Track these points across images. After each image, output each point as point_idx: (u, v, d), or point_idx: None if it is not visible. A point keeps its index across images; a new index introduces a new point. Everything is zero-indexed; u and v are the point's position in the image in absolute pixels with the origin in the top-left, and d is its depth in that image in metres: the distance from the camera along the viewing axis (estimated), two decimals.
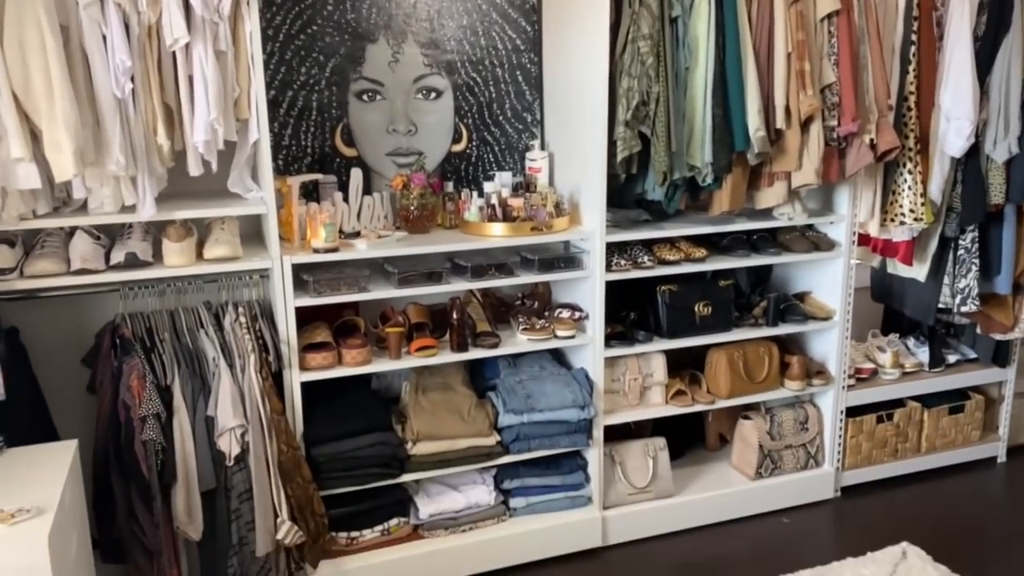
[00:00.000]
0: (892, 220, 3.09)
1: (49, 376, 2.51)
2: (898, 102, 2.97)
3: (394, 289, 2.60)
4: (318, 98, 2.85)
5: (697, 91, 2.71)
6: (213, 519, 2.37)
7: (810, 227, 3.21)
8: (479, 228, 2.75)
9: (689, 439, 3.41)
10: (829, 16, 2.78)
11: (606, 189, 2.74)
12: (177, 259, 2.35)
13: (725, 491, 3.15)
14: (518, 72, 3.07)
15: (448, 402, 2.76)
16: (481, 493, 2.83)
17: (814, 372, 3.22)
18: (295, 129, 2.83)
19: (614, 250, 2.85)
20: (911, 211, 3.03)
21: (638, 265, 2.86)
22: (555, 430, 2.81)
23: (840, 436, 3.29)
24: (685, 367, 3.17)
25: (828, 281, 3.23)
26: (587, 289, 2.85)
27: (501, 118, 3.09)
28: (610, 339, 2.88)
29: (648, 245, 2.95)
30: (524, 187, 2.96)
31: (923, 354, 3.51)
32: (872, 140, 2.88)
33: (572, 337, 2.83)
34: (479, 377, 2.97)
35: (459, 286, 2.71)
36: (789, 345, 3.30)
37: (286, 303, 2.47)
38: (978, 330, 3.46)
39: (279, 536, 2.39)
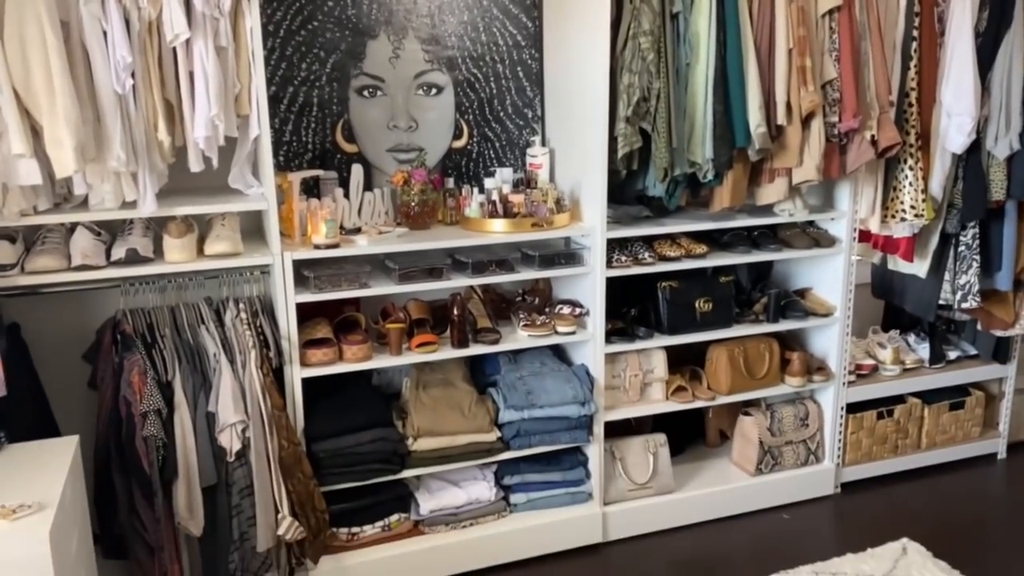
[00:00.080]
0: (893, 216, 3.09)
1: (50, 372, 2.52)
2: (899, 98, 2.97)
3: (395, 285, 2.60)
4: (319, 94, 2.84)
5: (698, 87, 2.71)
6: (214, 515, 2.37)
7: (811, 223, 3.21)
8: (480, 224, 2.75)
9: (689, 435, 3.41)
10: (830, 12, 2.78)
11: (607, 185, 2.74)
12: (178, 255, 2.35)
13: (725, 487, 3.15)
14: (519, 68, 3.07)
15: (449, 398, 2.76)
16: (482, 489, 2.83)
17: (814, 368, 3.22)
18: (296, 125, 2.83)
19: (615, 246, 2.85)
20: (912, 207, 3.03)
21: (639, 261, 2.86)
22: (556, 426, 2.81)
23: (840, 432, 3.30)
24: (686, 363, 3.17)
25: (829, 277, 3.23)
26: (588, 285, 2.85)
27: (502, 114, 3.08)
28: (611, 335, 2.88)
29: (649, 241, 2.95)
30: (525, 183, 2.96)
31: (924, 350, 3.51)
32: (873, 136, 2.88)
33: (573, 333, 2.83)
34: (480, 373, 2.97)
35: (460, 282, 2.71)
36: (790, 341, 3.30)
37: (287, 299, 2.47)
38: (979, 326, 3.46)
39: (280, 532, 2.39)
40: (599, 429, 2.91)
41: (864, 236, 3.24)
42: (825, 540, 3.02)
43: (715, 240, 3.04)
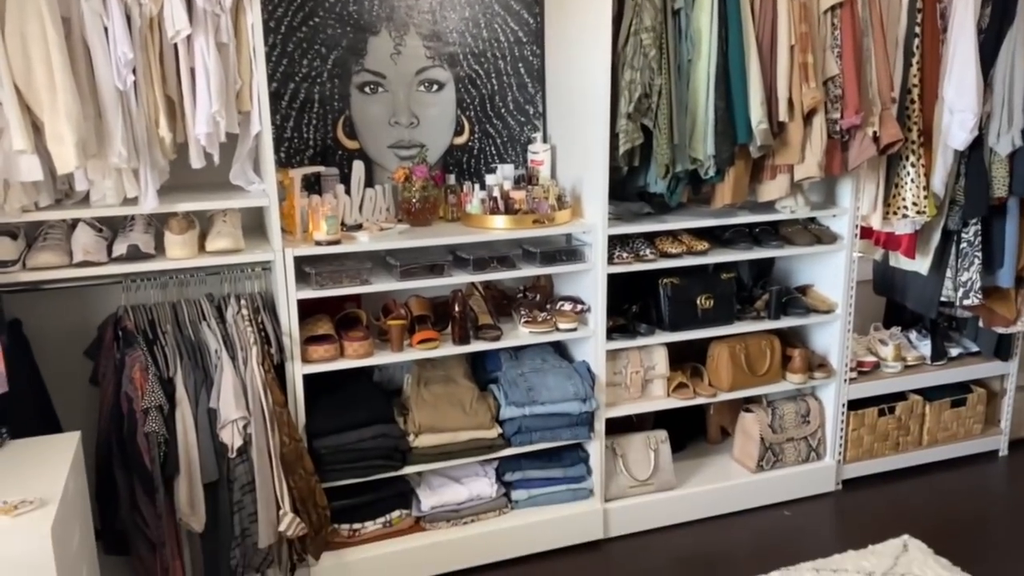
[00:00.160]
0: (895, 213, 3.09)
1: (52, 368, 2.52)
2: (901, 95, 2.96)
3: (396, 282, 2.60)
4: (320, 90, 2.84)
5: (700, 83, 2.70)
6: (216, 511, 2.37)
7: (812, 220, 3.20)
8: (481, 221, 2.75)
9: (690, 432, 3.41)
10: (832, 8, 2.77)
11: (608, 182, 2.74)
12: (179, 251, 2.36)
13: (726, 484, 3.15)
14: (520, 64, 3.07)
15: (450, 395, 2.76)
16: (483, 485, 2.84)
17: (816, 365, 3.22)
18: (297, 121, 2.83)
19: (616, 243, 2.85)
20: (914, 204, 3.03)
21: (640, 258, 2.86)
22: (557, 423, 2.81)
23: (842, 429, 3.30)
24: (687, 360, 3.17)
25: (830, 274, 3.23)
26: (589, 282, 2.85)
27: (503, 110, 3.08)
28: (612, 332, 2.88)
29: (650, 238, 2.94)
30: (526, 180, 2.96)
31: (925, 347, 3.51)
32: (875, 133, 2.87)
33: (574, 330, 2.83)
34: (481, 370, 2.97)
35: (461, 279, 2.71)
36: (791, 338, 3.30)
37: (288, 295, 2.47)
38: (980, 323, 3.46)
39: (281, 528, 2.40)
40: (600, 426, 2.91)
41: (866, 233, 3.24)
42: (826, 537, 3.02)
43: (716, 237, 3.04)
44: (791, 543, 2.96)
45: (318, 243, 2.50)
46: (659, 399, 3.05)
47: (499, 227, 2.73)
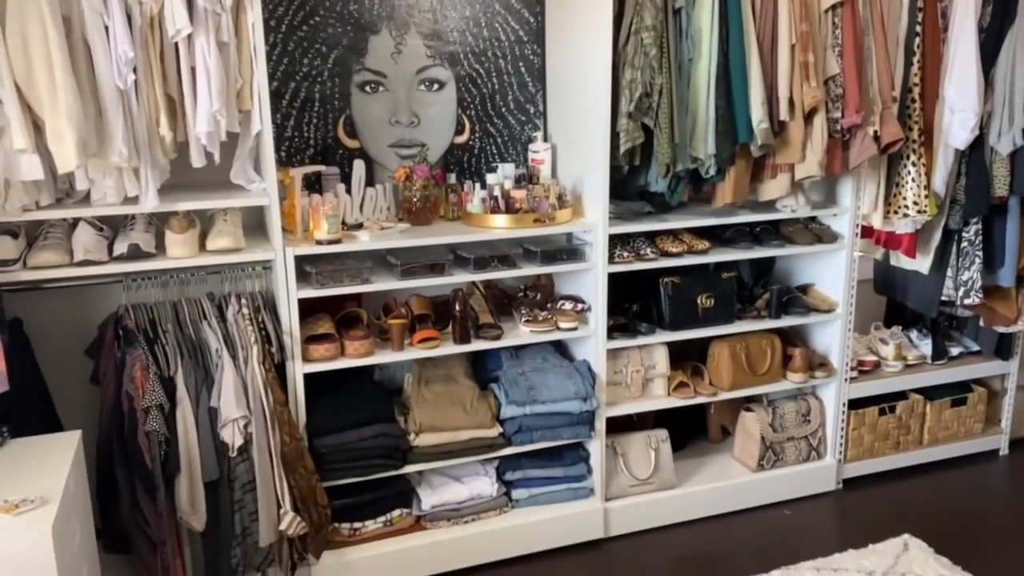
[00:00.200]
0: (895, 212, 3.08)
1: (52, 367, 2.52)
2: (902, 94, 2.96)
3: (397, 281, 2.60)
4: (321, 89, 2.84)
5: (700, 82, 2.70)
6: (216, 510, 2.38)
7: (813, 219, 3.20)
8: (482, 220, 2.75)
9: (691, 431, 3.41)
10: (833, 7, 2.77)
11: (609, 181, 2.73)
12: (180, 250, 2.36)
13: (727, 483, 3.15)
14: (521, 63, 3.07)
15: (451, 394, 2.76)
16: (483, 484, 2.84)
17: (816, 364, 3.22)
18: (298, 120, 2.83)
19: (617, 242, 2.85)
20: (915, 203, 3.03)
21: (641, 257, 2.86)
22: (557, 422, 2.81)
23: (842, 428, 3.30)
24: (687, 359, 3.17)
25: (831, 273, 3.22)
26: (590, 281, 2.85)
27: (504, 110, 3.08)
28: (612, 331, 2.88)
29: (651, 237, 2.94)
30: (527, 179, 2.96)
31: (926, 346, 3.51)
32: (876, 132, 2.87)
33: (574, 329, 2.83)
34: (481, 369, 2.97)
35: (462, 278, 2.71)
36: (792, 337, 3.30)
37: (289, 294, 2.47)
38: (981, 323, 3.46)
39: (282, 527, 2.40)
40: (601, 425, 2.91)
41: (867, 232, 3.24)
42: (827, 536, 3.02)
43: (717, 236, 3.04)
44: (792, 542, 2.96)
45: (319, 242, 2.50)
46: (660, 398, 3.05)
47: (500, 226, 2.73)
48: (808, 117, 2.80)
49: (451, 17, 2.95)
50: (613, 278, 2.83)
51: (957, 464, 3.52)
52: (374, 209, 2.79)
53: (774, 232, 3.07)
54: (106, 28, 2.11)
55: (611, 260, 2.81)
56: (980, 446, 3.59)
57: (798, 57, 2.73)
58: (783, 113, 2.75)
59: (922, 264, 3.26)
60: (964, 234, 3.20)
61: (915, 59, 2.95)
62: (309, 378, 2.56)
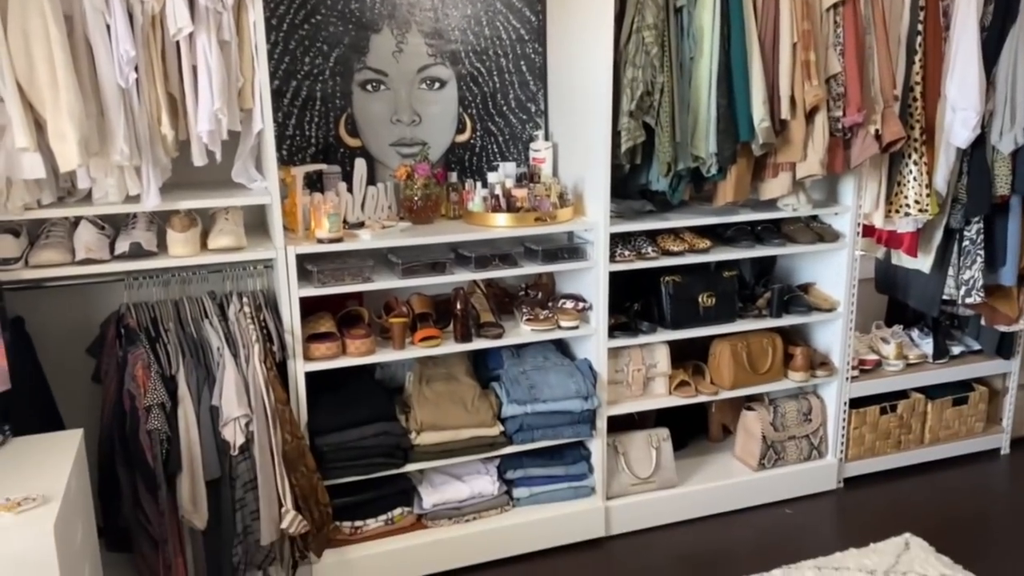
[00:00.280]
0: (897, 211, 3.08)
1: (54, 365, 2.52)
2: (904, 92, 2.96)
3: (398, 279, 2.60)
4: (322, 88, 2.84)
5: (702, 81, 2.70)
6: (218, 508, 2.38)
7: (814, 218, 3.20)
8: (483, 218, 2.75)
9: (692, 430, 3.41)
10: (835, 6, 2.77)
11: (610, 179, 2.73)
12: (181, 249, 2.36)
13: (728, 482, 3.15)
14: (522, 62, 3.07)
15: (452, 392, 2.76)
16: (485, 483, 2.84)
17: (818, 363, 3.22)
18: (299, 119, 2.83)
19: (618, 241, 2.85)
20: (916, 202, 3.02)
21: (642, 256, 2.86)
22: (558, 420, 2.81)
23: (843, 427, 3.30)
24: (689, 358, 3.17)
25: (832, 272, 3.22)
26: (591, 280, 2.85)
27: (505, 108, 3.08)
28: (614, 330, 2.88)
29: (652, 236, 2.95)
30: (528, 177, 2.96)
31: (927, 345, 3.51)
32: (877, 131, 2.87)
33: (576, 328, 2.84)
34: (483, 367, 2.97)
35: (463, 276, 2.71)
36: (793, 336, 3.30)
37: (290, 293, 2.47)
38: (982, 322, 3.46)
39: (283, 525, 2.40)
40: (602, 423, 2.91)
41: (868, 231, 3.24)
42: (828, 535, 3.02)
43: (718, 235, 3.04)
44: (793, 541, 2.96)
45: (320, 241, 2.50)
46: (661, 397, 3.05)
47: (501, 225, 2.73)
48: (809, 116, 2.80)
49: (452, 16, 2.95)
50: (614, 277, 2.83)
51: (958, 463, 3.52)
52: (375, 208, 2.79)
53: (775, 231, 3.07)
54: (108, 27, 2.11)
55: (612, 259, 2.81)
56: (981, 445, 3.59)
57: (799, 56, 2.73)
58: (784, 112, 2.74)
59: (923, 263, 3.26)
60: (966, 233, 3.20)
61: (917, 58, 2.95)
62: (310, 377, 2.56)
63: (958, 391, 3.51)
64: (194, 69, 2.23)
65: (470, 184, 2.89)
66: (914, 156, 3.02)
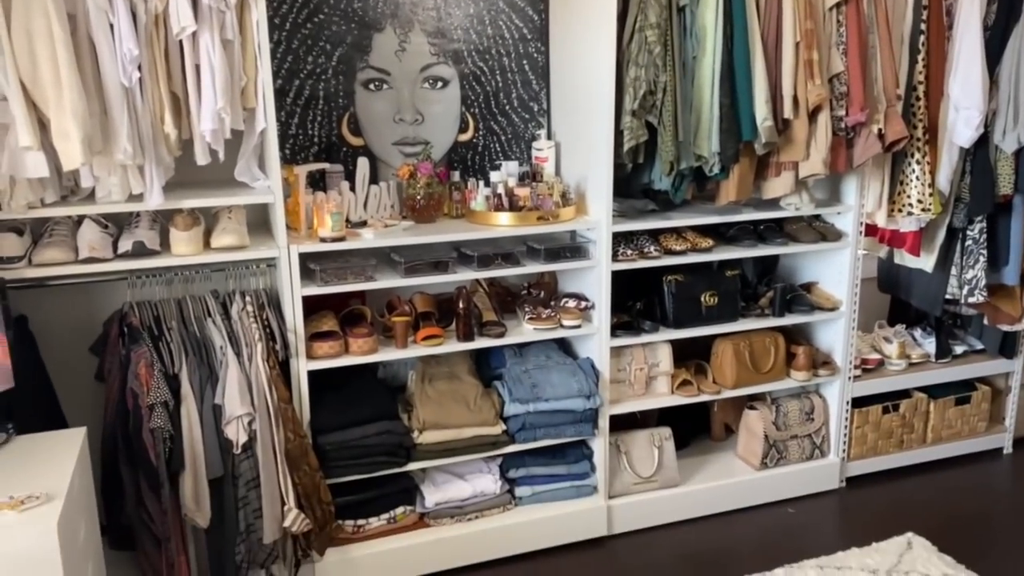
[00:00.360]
0: (900, 210, 3.08)
1: (57, 364, 2.53)
2: (907, 92, 2.96)
3: (400, 278, 2.60)
4: (325, 87, 2.85)
5: (704, 80, 2.70)
6: (221, 507, 2.38)
7: (817, 217, 3.20)
8: (485, 218, 2.75)
9: (694, 429, 3.41)
10: (838, 5, 2.77)
11: (612, 179, 2.73)
12: (184, 248, 2.36)
13: (730, 481, 3.15)
14: (525, 61, 3.07)
15: (454, 391, 2.76)
16: (487, 482, 2.84)
17: (820, 362, 3.22)
18: (302, 118, 2.83)
19: (620, 240, 2.85)
20: (919, 201, 3.02)
21: (644, 255, 2.86)
22: (561, 419, 2.81)
23: (846, 426, 3.30)
24: (691, 357, 3.17)
25: (835, 271, 3.22)
26: (593, 279, 2.85)
27: (508, 107, 3.08)
28: (616, 329, 2.88)
29: (654, 235, 2.94)
30: (530, 177, 2.96)
31: (930, 345, 3.50)
32: (880, 130, 2.87)
33: (578, 327, 2.84)
34: (485, 366, 2.97)
35: (465, 275, 2.71)
36: (795, 335, 3.29)
37: (293, 292, 2.47)
38: (985, 321, 3.45)
39: (286, 524, 2.40)
40: (604, 423, 2.91)
41: (871, 230, 3.24)
42: (830, 534, 3.02)
43: (721, 234, 3.03)
44: (795, 540, 2.96)
45: (323, 240, 2.50)
46: (663, 396, 3.05)
47: (503, 224, 2.73)
48: (812, 115, 2.79)
49: (455, 15, 2.95)
50: (617, 276, 2.83)
51: (961, 463, 3.51)
52: (378, 207, 2.79)
53: (778, 230, 3.07)
54: (111, 26, 2.11)
55: (615, 258, 2.81)
56: (984, 445, 3.59)
57: (802, 55, 2.73)
58: (787, 111, 2.74)
59: (926, 262, 3.25)
60: (968, 232, 3.20)
61: (920, 57, 2.95)
62: (313, 375, 2.56)
63: (961, 391, 3.51)
64: (197, 68, 2.23)
65: (472, 183, 2.89)
66: (917, 155, 3.02)
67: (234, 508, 2.38)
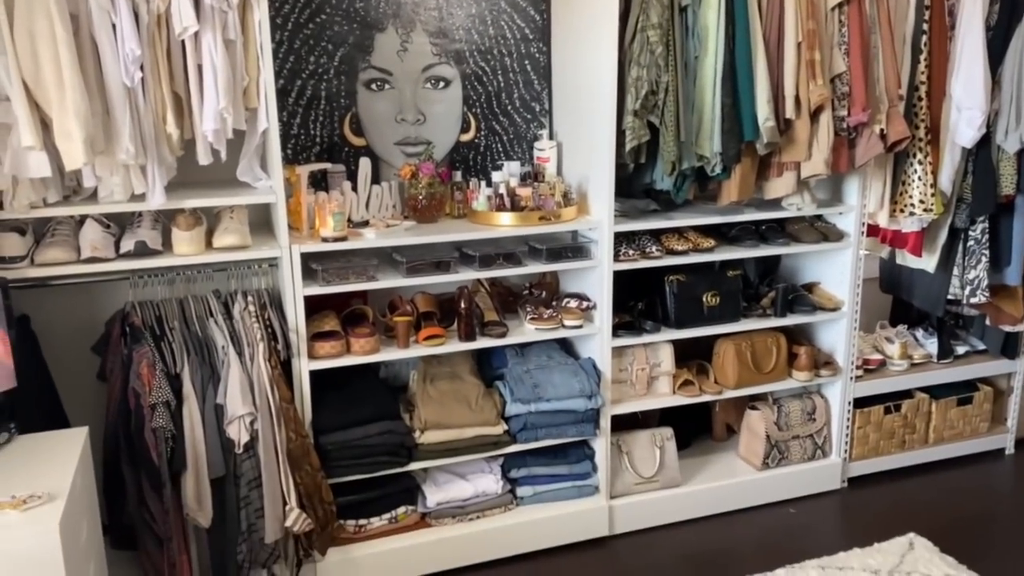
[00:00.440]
0: (902, 211, 3.08)
1: (60, 364, 2.53)
2: (909, 92, 2.95)
3: (402, 278, 2.60)
4: (327, 87, 2.85)
5: (706, 80, 2.70)
6: (222, 506, 2.38)
7: (819, 217, 3.20)
8: (487, 217, 2.75)
9: (696, 429, 3.41)
10: (840, 5, 2.77)
11: (614, 179, 2.73)
12: (186, 247, 2.36)
13: (732, 481, 3.15)
14: (527, 61, 3.07)
15: (456, 391, 2.76)
16: (489, 482, 2.84)
17: (822, 363, 3.22)
18: (304, 118, 2.83)
19: (622, 240, 2.85)
20: (921, 202, 3.02)
21: (646, 255, 2.86)
22: (562, 419, 2.81)
23: (847, 427, 3.29)
24: (693, 357, 3.17)
25: (837, 272, 3.22)
26: (595, 279, 2.85)
27: (509, 107, 3.08)
28: (618, 329, 2.88)
29: (656, 235, 2.94)
30: (532, 177, 2.96)
31: (931, 345, 3.50)
32: (882, 130, 2.87)
33: (580, 327, 2.84)
34: (487, 366, 2.97)
35: (467, 275, 2.71)
36: (797, 336, 3.29)
37: (295, 292, 2.47)
38: (987, 321, 3.45)
39: (288, 523, 2.40)
40: (606, 423, 2.91)
41: (872, 230, 3.23)
42: (832, 535, 3.02)
43: (723, 234, 3.03)
44: (796, 541, 2.96)
45: (325, 240, 2.50)
46: (665, 396, 3.05)
47: (505, 224, 2.73)
48: (814, 115, 2.79)
49: (457, 15, 2.95)
50: (618, 276, 2.83)
51: (963, 463, 3.51)
52: (380, 207, 2.79)
53: (780, 230, 3.07)
54: (113, 26, 2.11)
55: (616, 258, 2.81)
56: (986, 445, 3.59)
57: (804, 55, 2.72)
58: (789, 111, 2.74)
59: (928, 263, 3.25)
60: (971, 233, 3.19)
61: (922, 57, 2.95)
62: (315, 375, 2.56)
63: (963, 391, 3.51)
64: (199, 68, 2.24)
65: (474, 183, 2.90)
66: (919, 156, 3.01)
67: (236, 508, 2.38)
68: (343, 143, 2.90)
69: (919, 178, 3.02)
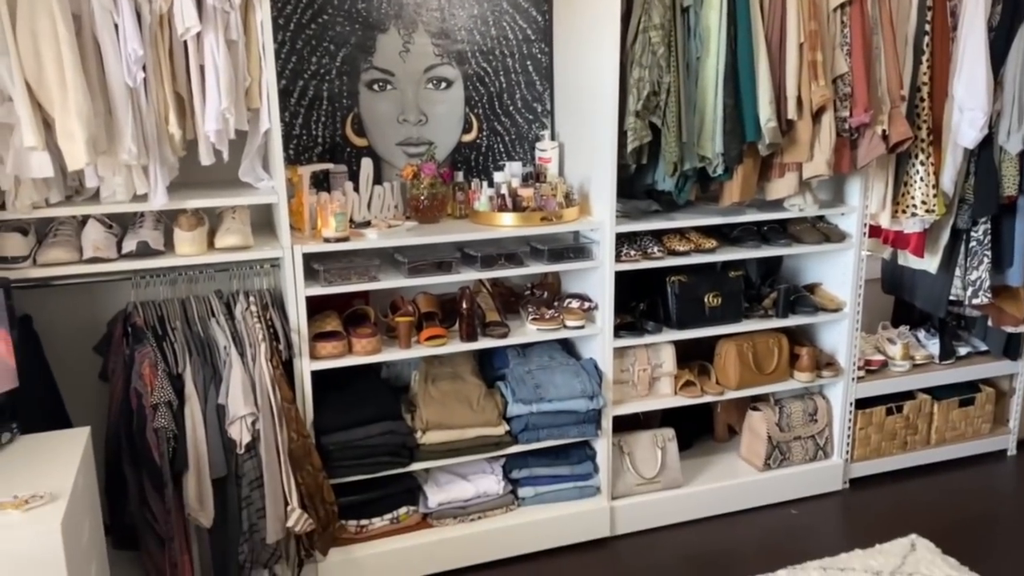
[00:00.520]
0: (904, 212, 3.08)
1: (62, 364, 2.53)
2: (911, 93, 2.95)
3: (404, 278, 2.60)
4: (329, 88, 2.85)
5: (708, 81, 2.70)
6: (224, 506, 2.38)
7: (821, 218, 3.20)
8: (489, 218, 2.75)
9: (698, 430, 3.41)
10: (842, 5, 2.77)
11: (616, 179, 2.73)
12: (188, 248, 2.36)
13: (733, 482, 3.15)
14: (528, 62, 3.07)
15: (457, 391, 2.76)
16: (490, 482, 2.84)
17: (824, 364, 3.22)
18: (306, 119, 2.83)
19: (624, 240, 2.85)
20: (923, 203, 3.02)
21: (648, 255, 2.86)
22: (564, 420, 2.81)
23: (849, 428, 3.29)
24: (694, 358, 3.17)
25: (838, 272, 3.22)
26: (597, 279, 2.85)
27: (511, 108, 3.08)
28: (619, 329, 2.88)
29: (658, 235, 2.94)
30: (534, 177, 2.96)
31: (933, 346, 3.50)
32: (884, 131, 2.87)
33: (581, 327, 2.84)
34: (488, 367, 2.97)
35: (469, 276, 2.71)
36: (799, 336, 3.29)
37: (297, 292, 2.48)
38: (989, 322, 3.45)
39: (289, 524, 2.40)
40: (607, 423, 2.91)
41: (874, 231, 3.23)
42: (833, 536, 3.02)
43: (724, 235, 3.03)
44: (798, 542, 2.96)
45: (327, 240, 2.50)
46: (666, 397, 3.05)
47: (507, 224, 2.73)
48: (816, 116, 2.79)
49: (459, 16, 2.95)
50: (620, 276, 2.83)
51: (965, 464, 3.51)
52: (382, 207, 2.79)
53: (781, 231, 3.07)
54: (116, 26, 2.11)
55: (618, 258, 2.81)
56: (988, 446, 3.58)
57: (806, 56, 2.72)
58: (791, 112, 2.74)
59: (930, 263, 3.25)
60: (973, 233, 3.19)
61: (924, 58, 2.95)
62: (316, 375, 2.56)
63: (965, 392, 3.51)
64: (201, 68, 2.24)
65: (476, 184, 2.90)
66: (921, 156, 3.01)
67: (237, 508, 2.38)
68: (345, 143, 2.90)
69: (921, 179, 3.02)
